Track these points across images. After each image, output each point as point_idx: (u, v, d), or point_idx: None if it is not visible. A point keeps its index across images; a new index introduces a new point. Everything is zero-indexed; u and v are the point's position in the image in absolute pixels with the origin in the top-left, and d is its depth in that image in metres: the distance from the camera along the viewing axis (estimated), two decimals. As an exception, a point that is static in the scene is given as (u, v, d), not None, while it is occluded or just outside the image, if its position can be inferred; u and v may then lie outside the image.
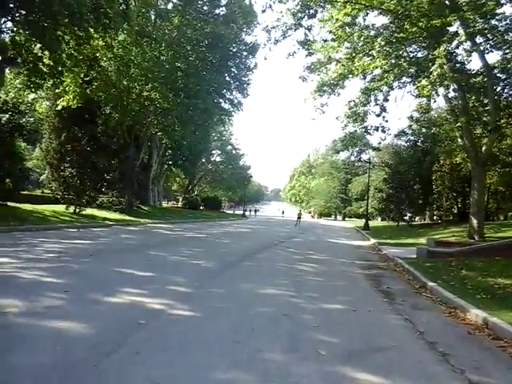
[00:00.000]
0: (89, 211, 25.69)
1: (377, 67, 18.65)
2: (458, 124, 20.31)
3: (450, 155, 28.59)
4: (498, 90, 20.48)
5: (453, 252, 15.26)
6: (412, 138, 36.82)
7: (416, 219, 48.52)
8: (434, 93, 18.94)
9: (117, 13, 21.70)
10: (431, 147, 34.12)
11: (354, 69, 21.16)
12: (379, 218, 70.59)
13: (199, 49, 36.69)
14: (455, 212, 38.41)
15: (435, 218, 46.59)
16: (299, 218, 47.89)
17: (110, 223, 23.99)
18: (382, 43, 18.53)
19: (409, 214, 48.84)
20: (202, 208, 61.33)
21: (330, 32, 21.18)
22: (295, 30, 21.37)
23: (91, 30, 20.71)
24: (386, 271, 12.45)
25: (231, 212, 75.19)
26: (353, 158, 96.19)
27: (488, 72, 19.81)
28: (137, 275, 8.50)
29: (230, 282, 8.53)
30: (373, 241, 25.84)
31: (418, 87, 18.99)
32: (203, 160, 73.97)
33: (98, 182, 29.77)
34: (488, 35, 18.40)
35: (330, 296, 7.88)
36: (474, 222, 21.06)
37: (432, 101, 23.53)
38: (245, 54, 42.25)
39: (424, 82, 18.03)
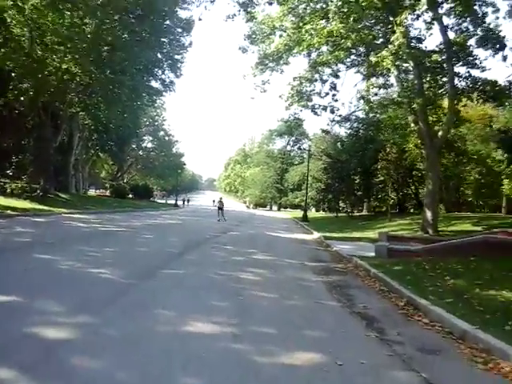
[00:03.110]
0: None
1: (331, 32, 16.11)
2: (414, 106, 18.27)
3: (402, 141, 26.85)
4: (456, 69, 18.72)
5: (417, 250, 13.15)
6: (355, 125, 35.01)
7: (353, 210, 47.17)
8: (391, 68, 16.68)
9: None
10: (375, 134, 32.51)
11: (302, 36, 18.52)
12: (313, 209, 69.46)
13: (128, 20, 32.65)
14: (396, 203, 37.19)
15: (373, 209, 45.27)
16: (220, 208, 31.40)
17: (13, 213, 20.06)
18: (339, 3, 16.01)
19: (343, 205, 47.65)
20: (130, 197, 57.11)
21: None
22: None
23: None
24: (347, 277, 9.93)
25: (163, 202, 71.05)
26: (289, 148, 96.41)
27: (447, 48, 17.93)
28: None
29: (136, 312, 5.45)
30: (316, 234, 23.59)
31: (376, 61, 16.69)
32: (133, 146, 69.55)
33: (2, 165, 25.42)
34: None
35: (293, 333, 5.08)
36: (428, 214, 19.21)
37: (384, 80, 21.34)
38: (179, 30, 38.68)
39: (384, 52, 15.77)
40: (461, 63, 18.70)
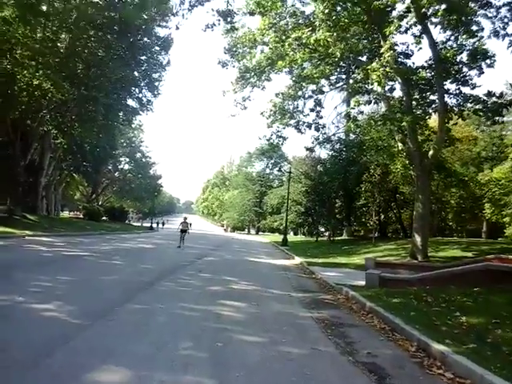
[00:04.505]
0: None
1: (318, 41, 15.18)
2: (403, 124, 17.39)
3: (389, 162, 25.97)
4: (445, 86, 18.01)
5: (411, 279, 12.05)
6: (337, 146, 34.25)
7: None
8: (382, 81, 15.77)
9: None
10: (358, 156, 31.72)
11: (285, 50, 17.62)
12: (291, 233, 68.33)
13: (104, 36, 31.51)
14: (377, 228, 36.26)
15: (355, 234, 44.22)
16: (184, 231, 24.51)
17: (-31, 236, 18.44)
18: (326, 10, 15.09)
19: (322, 229, 46.61)
20: (104, 219, 55.11)
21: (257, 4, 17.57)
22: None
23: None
24: (340, 312, 8.69)
25: (138, 224, 69.04)
26: (268, 171, 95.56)
27: (437, 63, 17.20)
28: None
29: (70, 375, 4.13)
30: (298, 259, 22.39)
31: (365, 74, 15.84)
32: (109, 167, 67.73)
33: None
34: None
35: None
36: (418, 239, 18.18)
37: (368, 98, 20.48)
38: (157, 48, 37.76)
39: (374, 64, 14.88)
40: (451, 79, 17.99)
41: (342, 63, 20.63)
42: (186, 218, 25.95)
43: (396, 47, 17.53)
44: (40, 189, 38.35)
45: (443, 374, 4.96)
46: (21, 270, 10.18)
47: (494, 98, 17.12)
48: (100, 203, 67.37)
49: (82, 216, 55.43)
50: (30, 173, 34.17)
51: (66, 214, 67.50)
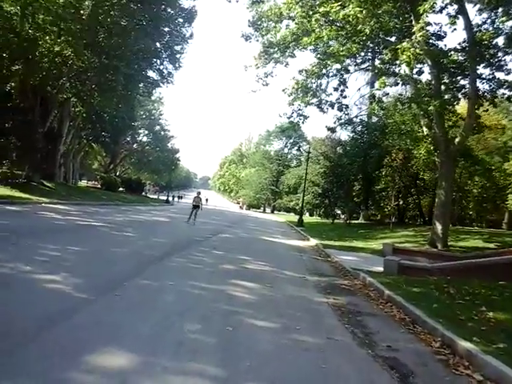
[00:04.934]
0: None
1: (348, 16, 14.47)
2: (430, 108, 16.66)
3: (413, 147, 25.24)
4: (478, 71, 17.17)
5: (431, 268, 11.58)
6: (359, 128, 33.44)
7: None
8: (411, 63, 14.98)
9: None
10: (379, 139, 30.94)
11: (312, 26, 16.90)
12: (307, 214, 67.85)
13: (127, 4, 30.82)
14: (395, 213, 35.59)
15: (371, 218, 43.51)
16: (196, 206, 23.46)
17: (-15, 200, 18.38)
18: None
19: (338, 212, 46.00)
20: (121, 190, 55.24)
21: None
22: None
23: None
24: (357, 299, 8.29)
25: (155, 197, 69.15)
26: (286, 150, 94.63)
27: (472, 46, 16.37)
28: None
29: (68, 353, 3.79)
30: (313, 241, 21.98)
31: (393, 54, 15.14)
32: (128, 139, 67.69)
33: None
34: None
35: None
36: (439, 227, 17.61)
37: (394, 80, 19.67)
38: (180, 20, 36.96)
39: (405, 43, 14.15)
40: (484, 64, 17.14)
41: (369, 43, 19.83)
42: (199, 193, 24.72)
43: (428, 27, 16.66)
44: (58, 156, 38.32)
45: (471, 375, 4.53)
46: (32, 237, 9.95)
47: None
48: (117, 174, 67.67)
49: (99, 186, 55.76)
50: (48, 140, 34.07)
51: (83, 183, 68.03)
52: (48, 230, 12.28)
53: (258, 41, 20.32)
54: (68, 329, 4.32)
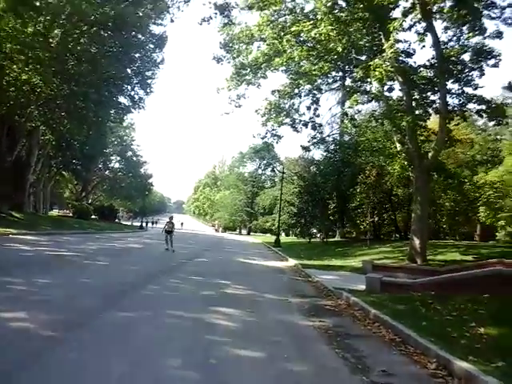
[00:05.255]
0: None
1: (320, 35, 14.58)
2: (403, 124, 16.82)
3: (387, 163, 25.45)
4: (447, 86, 17.47)
5: (413, 284, 11.42)
6: (331, 147, 33.69)
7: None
8: (383, 79, 15.14)
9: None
10: (352, 157, 31.20)
11: (283, 47, 17.01)
12: (283, 234, 67.71)
13: (97, 32, 30.53)
14: (371, 230, 35.68)
15: (346, 235, 43.59)
16: (170, 231, 22.49)
17: None
18: (329, 4, 14.46)
19: (314, 230, 45.98)
20: (94, 218, 54.17)
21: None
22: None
23: None
24: (343, 320, 8.03)
25: (128, 223, 68.15)
26: (260, 171, 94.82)
27: (440, 62, 16.65)
28: None
29: None
30: (292, 261, 21.73)
31: (364, 72, 15.28)
32: (100, 165, 66.89)
33: None
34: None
35: None
36: (417, 242, 17.62)
37: (367, 98, 19.89)
38: (151, 46, 36.83)
39: (377, 60, 14.29)
40: (453, 79, 17.47)
41: (340, 62, 20.08)
42: (171, 218, 23.79)
43: (398, 44, 16.94)
44: (27, 186, 37.40)
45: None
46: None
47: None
48: (90, 202, 66.45)
49: (71, 214, 54.54)
50: (16, 169, 33.25)
51: (55, 211, 66.49)
52: (14, 263, 11.62)
53: (229, 63, 20.37)
54: (31, 376, 3.91)
